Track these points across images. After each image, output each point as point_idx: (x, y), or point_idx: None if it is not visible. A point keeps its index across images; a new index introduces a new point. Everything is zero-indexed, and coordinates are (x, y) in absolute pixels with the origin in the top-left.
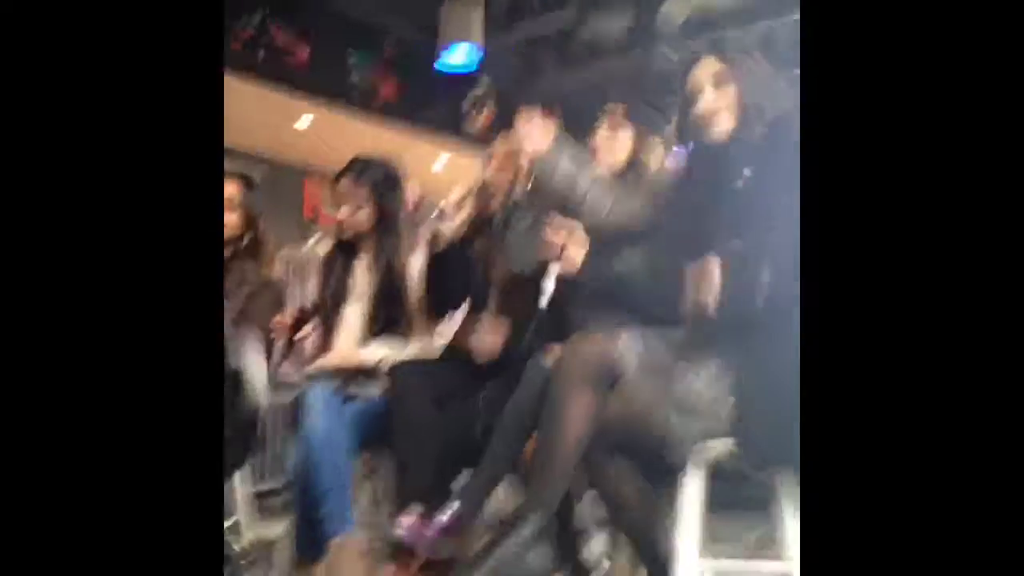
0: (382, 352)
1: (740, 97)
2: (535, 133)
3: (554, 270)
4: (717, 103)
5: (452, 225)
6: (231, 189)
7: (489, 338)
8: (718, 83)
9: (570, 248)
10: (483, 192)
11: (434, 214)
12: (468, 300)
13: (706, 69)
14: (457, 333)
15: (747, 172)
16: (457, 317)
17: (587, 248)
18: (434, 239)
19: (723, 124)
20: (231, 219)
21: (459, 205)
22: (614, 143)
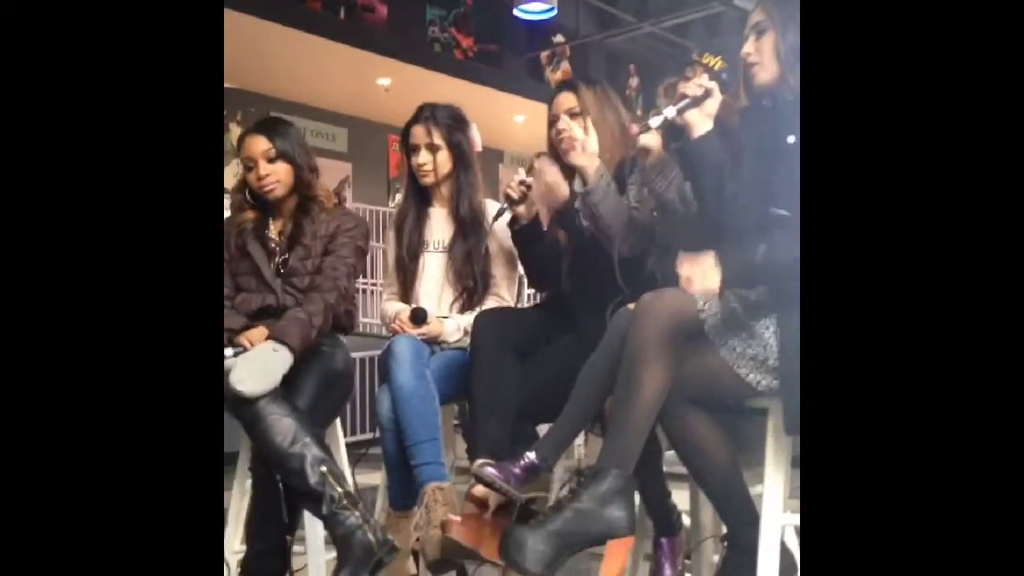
0: (466, 321)
1: (775, 48)
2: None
3: None
4: (755, 54)
5: (522, 209)
6: (260, 144)
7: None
8: (759, 33)
9: None
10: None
11: (502, 205)
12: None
13: (752, 19)
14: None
15: (791, 136)
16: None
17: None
18: (513, 220)
19: (760, 76)
20: (276, 169)
21: (525, 187)
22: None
